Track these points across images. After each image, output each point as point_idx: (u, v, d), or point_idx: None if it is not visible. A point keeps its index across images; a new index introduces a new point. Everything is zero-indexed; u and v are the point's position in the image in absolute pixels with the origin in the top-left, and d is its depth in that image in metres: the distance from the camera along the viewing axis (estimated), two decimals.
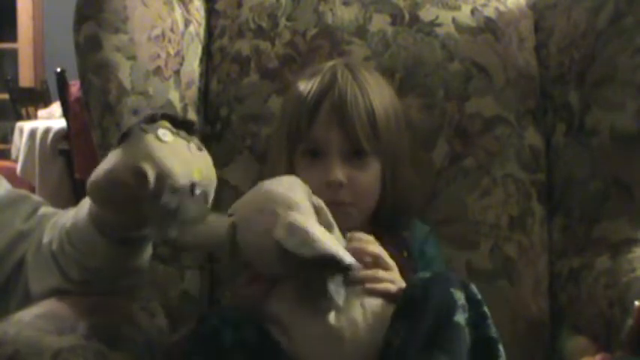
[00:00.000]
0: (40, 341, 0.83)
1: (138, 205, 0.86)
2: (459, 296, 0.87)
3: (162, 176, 0.84)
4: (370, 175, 1.06)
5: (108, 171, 0.86)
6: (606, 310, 1.04)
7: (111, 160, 0.87)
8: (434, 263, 1.08)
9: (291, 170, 1.07)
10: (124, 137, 0.87)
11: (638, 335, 0.86)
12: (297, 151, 1.07)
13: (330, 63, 1.10)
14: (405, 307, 0.89)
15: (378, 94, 1.07)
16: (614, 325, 1.01)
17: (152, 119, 0.89)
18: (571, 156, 1.17)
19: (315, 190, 1.03)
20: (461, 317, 0.86)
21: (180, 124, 0.91)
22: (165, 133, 0.87)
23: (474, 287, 0.90)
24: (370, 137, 1.04)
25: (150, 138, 0.86)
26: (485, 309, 0.90)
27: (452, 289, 0.87)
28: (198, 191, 0.87)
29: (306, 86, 1.08)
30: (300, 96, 1.08)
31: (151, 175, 0.84)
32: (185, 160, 0.87)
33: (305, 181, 1.05)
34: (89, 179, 0.88)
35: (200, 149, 0.91)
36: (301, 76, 1.11)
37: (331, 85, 1.05)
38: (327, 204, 1.02)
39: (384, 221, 1.08)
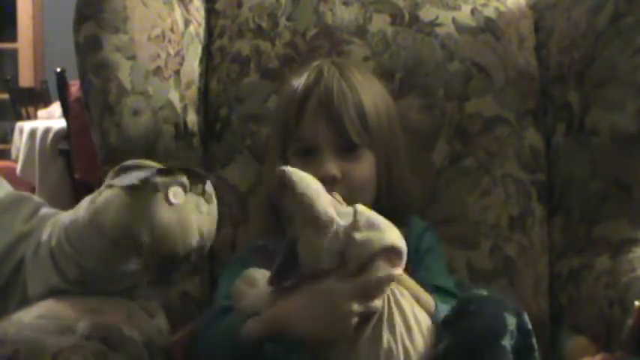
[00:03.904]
0: (40, 341, 0.83)
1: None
2: (511, 322, 0.86)
3: (157, 247, 0.85)
4: (364, 169, 1.05)
5: (111, 221, 0.87)
6: (606, 310, 1.04)
7: (116, 205, 0.87)
8: (431, 254, 1.07)
9: None
10: (135, 187, 0.87)
11: (638, 335, 0.86)
12: (290, 151, 1.07)
13: (317, 62, 1.11)
14: (454, 318, 0.89)
15: (366, 88, 1.06)
16: (614, 325, 1.01)
17: (168, 171, 0.89)
18: (571, 156, 1.17)
19: None
20: (507, 342, 0.86)
21: (195, 176, 0.90)
22: (177, 192, 0.87)
23: (526, 316, 0.89)
24: (360, 131, 1.04)
25: (159, 199, 0.86)
26: (534, 341, 0.89)
27: (505, 314, 0.87)
28: (194, 258, 0.89)
29: (293, 85, 1.08)
30: (288, 95, 1.09)
31: (147, 243, 0.85)
32: (189, 225, 0.88)
33: None
34: (95, 211, 0.89)
35: (209, 202, 0.91)
36: (291, 77, 1.11)
37: (317, 81, 1.06)
38: None
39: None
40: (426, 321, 0.91)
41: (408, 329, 0.88)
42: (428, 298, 0.95)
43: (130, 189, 0.87)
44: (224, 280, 1.06)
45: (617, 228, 1.12)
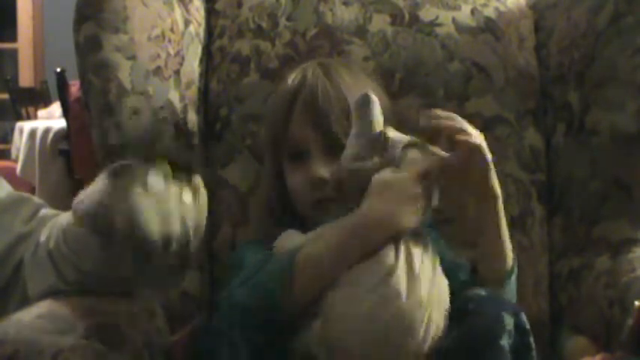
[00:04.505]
0: (40, 341, 0.83)
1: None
2: (509, 321, 0.87)
3: (131, 234, 0.84)
4: None
5: (88, 207, 0.86)
6: (606, 310, 1.04)
7: (95, 193, 0.87)
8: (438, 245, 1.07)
9: (278, 174, 1.07)
10: (114, 174, 0.86)
11: (638, 335, 0.86)
12: (283, 156, 1.07)
13: (303, 64, 1.11)
14: (455, 317, 0.90)
15: (352, 87, 1.05)
16: (614, 325, 1.01)
17: (150, 158, 0.88)
18: (571, 156, 1.17)
19: (303, 190, 1.03)
20: (506, 342, 0.86)
21: (182, 169, 0.89)
22: (156, 180, 0.86)
23: (523, 315, 0.90)
24: (347, 130, 1.03)
25: (135, 185, 0.85)
26: (531, 340, 0.90)
27: (504, 313, 0.88)
28: (174, 246, 0.86)
29: (280, 90, 1.09)
30: (275, 101, 1.10)
31: (120, 228, 0.84)
32: (168, 212, 0.86)
33: (292, 184, 1.05)
34: (77, 200, 0.88)
35: (195, 194, 0.89)
36: (283, 81, 1.11)
37: (301, 85, 1.05)
38: (317, 202, 1.02)
39: None
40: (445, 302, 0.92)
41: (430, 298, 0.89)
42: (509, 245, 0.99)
43: (110, 175, 0.86)
44: (245, 257, 1.04)
45: (617, 228, 1.12)
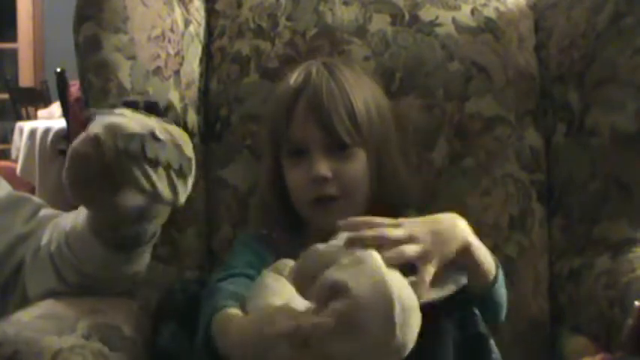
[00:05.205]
0: (39, 341, 0.83)
1: (107, 175, 0.85)
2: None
3: (113, 128, 0.84)
4: (355, 167, 1.05)
5: (68, 154, 0.87)
6: (606, 310, 1.04)
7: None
8: None
9: (277, 171, 1.08)
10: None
11: (638, 335, 0.86)
12: (283, 153, 1.07)
13: (307, 62, 1.11)
14: None
15: (356, 87, 1.06)
16: (614, 325, 1.01)
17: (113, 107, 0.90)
18: (571, 156, 1.17)
19: (302, 188, 1.03)
20: (446, 320, 0.88)
21: (144, 108, 0.91)
22: (122, 111, 0.88)
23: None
24: (350, 130, 1.03)
25: (105, 114, 0.87)
26: (474, 308, 0.91)
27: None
28: (161, 135, 0.86)
29: (283, 87, 1.09)
30: (277, 97, 1.09)
31: (103, 134, 0.84)
32: (142, 118, 0.87)
33: (291, 182, 1.05)
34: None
35: (167, 121, 0.91)
36: (284, 79, 1.11)
37: (306, 82, 1.05)
38: (316, 200, 1.02)
39: (380, 216, 1.07)
40: None
41: None
42: (490, 259, 0.96)
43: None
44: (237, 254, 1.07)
45: (617, 228, 1.12)
